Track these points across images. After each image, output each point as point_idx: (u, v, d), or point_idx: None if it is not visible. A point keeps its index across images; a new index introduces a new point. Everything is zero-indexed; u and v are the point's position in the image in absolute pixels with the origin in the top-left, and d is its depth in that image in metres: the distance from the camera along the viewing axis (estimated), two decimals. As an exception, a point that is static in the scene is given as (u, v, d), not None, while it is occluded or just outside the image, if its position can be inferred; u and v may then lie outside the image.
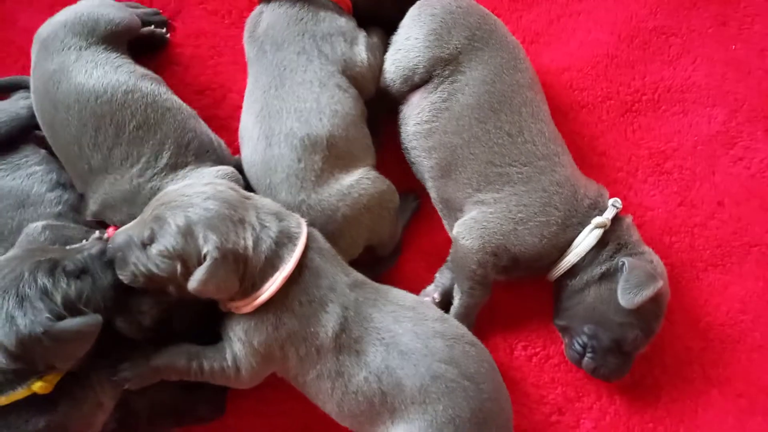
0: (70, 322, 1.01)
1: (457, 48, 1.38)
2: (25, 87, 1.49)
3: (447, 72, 1.38)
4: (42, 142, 1.44)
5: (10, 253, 1.09)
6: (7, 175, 1.33)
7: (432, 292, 1.44)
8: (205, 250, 1.10)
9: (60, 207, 1.32)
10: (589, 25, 1.63)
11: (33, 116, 1.41)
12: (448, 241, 1.45)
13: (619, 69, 1.60)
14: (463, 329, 1.30)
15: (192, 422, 1.34)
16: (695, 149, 1.57)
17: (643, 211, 1.52)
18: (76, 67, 1.32)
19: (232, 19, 1.63)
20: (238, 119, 1.48)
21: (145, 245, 1.12)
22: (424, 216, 1.53)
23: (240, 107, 1.54)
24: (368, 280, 1.29)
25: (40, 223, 1.22)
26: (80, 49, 1.35)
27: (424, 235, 1.52)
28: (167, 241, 1.11)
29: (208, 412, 1.34)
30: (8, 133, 1.39)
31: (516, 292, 1.48)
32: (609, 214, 1.35)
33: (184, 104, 1.40)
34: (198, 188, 1.16)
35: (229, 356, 1.21)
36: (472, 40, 1.38)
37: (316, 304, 1.19)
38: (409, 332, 1.22)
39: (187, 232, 1.11)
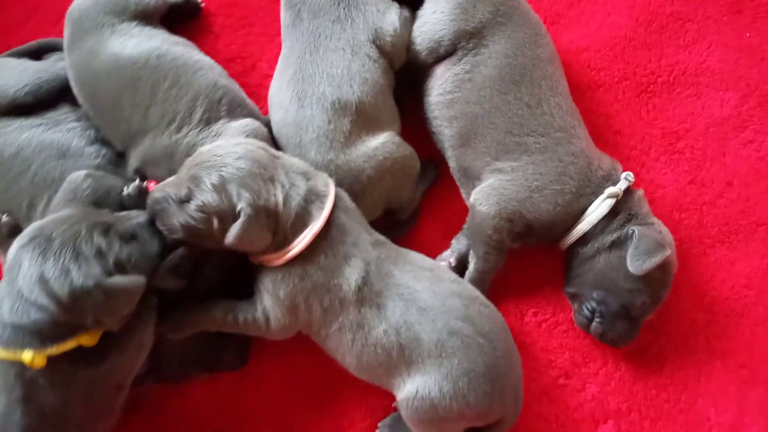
0: (120, 279, 1.07)
1: (481, 22, 1.44)
2: (58, 49, 1.57)
3: (471, 45, 1.44)
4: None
5: (67, 210, 1.15)
6: (49, 129, 1.40)
7: (448, 257, 1.50)
8: (239, 207, 1.17)
9: (99, 160, 1.40)
10: (608, 8, 1.68)
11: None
12: (464, 211, 1.52)
13: (636, 51, 1.66)
14: (477, 292, 1.36)
15: (217, 370, 1.41)
16: (707, 131, 1.62)
17: (655, 188, 1.57)
18: (112, 40, 1.42)
19: (265, -9, 1.70)
20: (266, 87, 1.55)
21: (182, 202, 1.19)
22: (441, 185, 1.59)
23: (268, 76, 1.62)
24: (389, 241, 1.35)
25: (82, 172, 1.29)
26: (113, 26, 1.44)
27: (441, 204, 1.58)
28: (203, 198, 1.17)
29: (233, 362, 1.41)
30: (48, 91, 1.46)
31: (528, 261, 1.53)
32: (622, 185, 1.40)
33: (215, 63, 1.48)
34: (230, 148, 1.22)
35: (259, 309, 1.29)
36: (496, 15, 1.44)
37: (340, 258, 1.25)
38: (428, 290, 1.28)
39: (222, 190, 1.17)
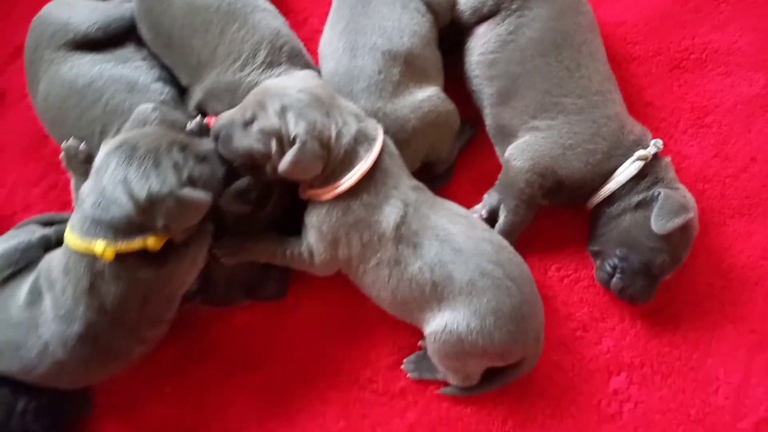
0: (191, 191, 1.18)
1: (526, -16, 1.52)
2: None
3: (515, 6, 1.52)
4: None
5: (149, 128, 1.27)
6: (118, 65, 1.51)
7: (480, 209, 1.58)
8: (294, 133, 1.26)
9: (162, 97, 1.50)
10: (648, -15, 1.76)
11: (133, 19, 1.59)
12: (496, 169, 1.60)
13: (671, 28, 1.72)
14: (506, 242, 1.44)
15: (258, 298, 1.51)
16: (735, 108, 1.69)
17: (681, 159, 1.64)
18: None
19: (320, -51, 1.79)
20: (316, 42, 1.64)
21: (246, 125, 1.28)
22: (476, 145, 1.67)
23: (319, 31, 1.70)
24: (426, 188, 1.44)
25: (150, 104, 1.39)
26: None
27: (475, 162, 1.67)
28: (266, 121, 1.27)
29: (274, 292, 1.51)
30: (116, 30, 1.56)
31: (553, 221, 1.61)
32: (651, 150, 1.48)
33: (279, 13, 1.57)
34: (293, 81, 1.33)
35: (304, 243, 1.39)
36: (541, -21, 1.52)
37: (382, 197, 1.33)
38: (462, 233, 1.36)
39: (282, 115, 1.27)
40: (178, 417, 1.50)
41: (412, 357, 1.53)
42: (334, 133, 1.28)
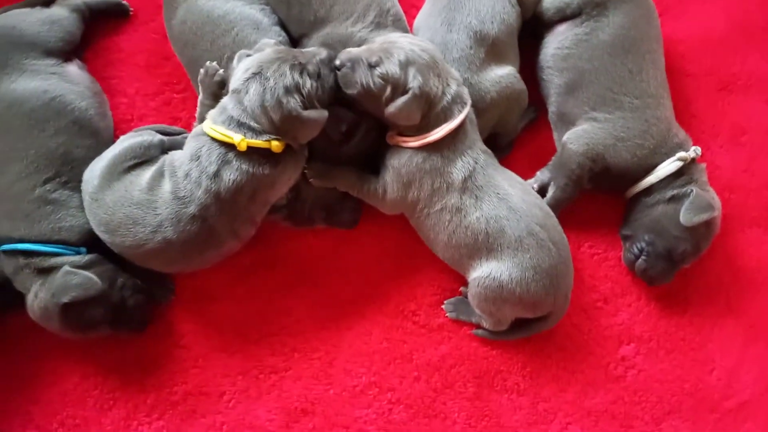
0: (310, 112, 1.44)
1: (607, -5, 1.72)
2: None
3: (594, 12, 1.72)
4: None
5: (273, 50, 1.49)
6: (246, 5, 1.71)
7: (532, 182, 1.78)
8: (410, 85, 1.47)
9: (280, 38, 1.70)
10: (711, 10, 1.95)
11: None
12: (550, 152, 1.80)
13: (726, 52, 1.92)
14: (552, 212, 1.66)
15: (332, 224, 1.74)
16: (768, 132, 1.90)
17: (714, 168, 1.84)
18: None
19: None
20: (412, 16, 1.84)
21: (370, 66, 1.49)
22: (536, 128, 1.88)
23: (415, 6, 1.91)
24: (493, 155, 1.66)
25: (272, 41, 1.60)
26: None
27: (533, 142, 1.87)
28: (389, 67, 1.48)
29: (347, 220, 1.74)
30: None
31: (594, 204, 1.82)
32: (690, 154, 1.68)
33: None
34: (418, 40, 1.54)
35: (381, 181, 1.61)
36: (621, -8, 1.73)
37: (458, 153, 1.55)
38: (518, 196, 1.58)
39: (404, 67, 1.47)
40: (244, 316, 1.75)
41: (452, 299, 1.76)
42: (439, 92, 1.49)
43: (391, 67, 1.47)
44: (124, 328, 1.64)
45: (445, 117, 1.52)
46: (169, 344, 1.73)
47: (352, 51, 1.52)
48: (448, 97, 1.51)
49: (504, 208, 1.56)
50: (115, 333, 1.63)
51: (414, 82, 1.46)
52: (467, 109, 1.54)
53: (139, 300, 1.65)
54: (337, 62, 1.51)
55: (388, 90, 1.48)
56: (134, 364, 1.71)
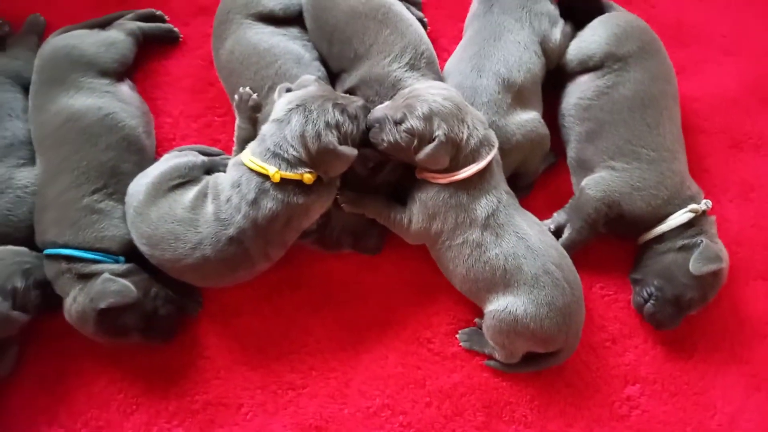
0: (345, 148, 1.55)
1: (629, 52, 1.83)
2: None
3: (616, 66, 1.83)
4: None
5: (317, 88, 1.60)
6: (290, 40, 1.85)
7: (549, 223, 1.87)
8: (436, 134, 1.57)
9: (319, 74, 1.82)
10: (726, 72, 2.06)
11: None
12: (567, 195, 1.90)
13: (738, 112, 2.03)
14: (566, 253, 1.74)
15: (358, 249, 1.83)
16: (777, 191, 1.99)
17: (722, 221, 1.92)
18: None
19: (459, -17, 2.13)
20: (443, 59, 1.97)
21: (396, 123, 1.60)
22: (555, 171, 1.98)
23: (445, 50, 2.05)
24: (514, 195, 1.75)
25: (312, 77, 1.72)
26: None
27: (551, 185, 1.97)
28: (413, 122, 1.58)
29: (372, 246, 1.83)
30: (292, 13, 1.91)
31: (606, 247, 1.90)
32: (702, 206, 1.77)
33: (421, 26, 1.89)
34: (439, 90, 1.64)
35: (407, 212, 1.70)
36: (642, 50, 1.84)
37: (483, 191, 1.64)
38: (536, 237, 1.66)
39: (428, 119, 1.58)
40: (266, 332, 1.83)
41: (467, 330, 1.83)
42: (465, 137, 1.59)
43: (415, 122, 1.58)
44: (153, 336, 1.72)
45: (474, 158, 1.62)
46: (193, 355, 1.80)
47: (378, 112, 1.64)
48: (476, 140, 1.61)
49: (522, 246, 1.64)
50: (143, 341, 1.72)
51: (439, 130, 1.57)
52: (494, 151, 1.64)
53: (169, 310, 1.73)
54: (367, 125, 1.63)
55: (416, 142, 1.59)
56: (159, 372, 1.78)
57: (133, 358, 1.79)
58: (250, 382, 1.78)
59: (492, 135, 1.66)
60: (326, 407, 1.77)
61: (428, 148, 1.57)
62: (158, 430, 1.73)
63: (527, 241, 1.65)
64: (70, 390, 1.77)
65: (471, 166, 1.61)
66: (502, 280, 1.64)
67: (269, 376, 1.79)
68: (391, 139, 1.60)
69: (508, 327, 1.65)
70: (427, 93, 1.61)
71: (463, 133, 1.60)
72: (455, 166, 1.62)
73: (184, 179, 1.69)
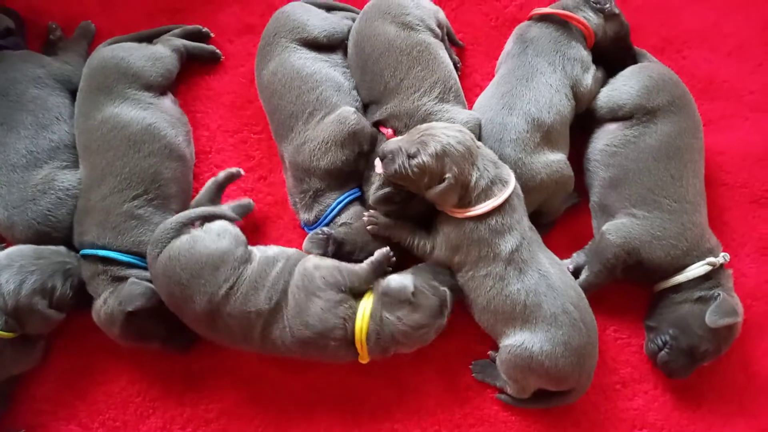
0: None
1: (658, 105, 1.87)
2: (344, 10, 2.09)
3: (645, 118, 1.87)
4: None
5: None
6: (331, 67, 1.91)
7: (568, 263, 1.91)
8: (446, 175, 1.63)
9: (357, 104, 1.89)
10: (752, 128, 2.09)
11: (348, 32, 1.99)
12: (586, 237, 1.94)
13: (761, 169, 2.05)
14: (584, 296, 1.77)
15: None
16: (795, 250, 2.02)
17: (739, 275, 1.95)
18: (391, 28, 1.88)
19: (498, 23, 2.18)
20: (474, 93, 2.04)
21: (409, 156, 1.65)
22: (575, 212, 2.01)
23: (477, 86, 2.10)
24: (537, 232, 1.79)
25: (351, 109, 1.79)
26: (397, 21, 1.89)
27: (571, 225, 2.00)
28: (425, 159, 1.64)
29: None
30: (335, 40, 1.96)
31: (621, 292, 1.92)
32: (720, 260, 1.80)
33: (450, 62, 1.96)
34: (454, 132, 1.68)
35: (431, 240, 1.76)
36: (672, 104, 1.87)
37: (506, 227, 1.69)
38: (557, 276, 1.71)
39: (440, 159, 1.64)
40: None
41: (480, 361, 1.87)
42: (474, 179, 1.66)
43: (427, 158, 1.63)
44: (174, 344, 1.78)
45: (486, 196, 1.67)
46: (211, 364, 1.86)
47: (393, 142, 1.71)
48: (486, 180, 1.67)
49: (544, 284, 1.68)
50: (164, 347, 1.77)
51: (450, 172, 1.63)
52: (509, 188, 1.69)
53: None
54: (380, 155, 1.70)
55: (426, 178, 1.65)
56: (177, 378, 1.84)
57: (153, 363, 1.85)
58: (265, 395, 1.83)
59: (505, 172, 1.72)
60: (338, 426, 1.81)
61: (438, 188, 1.64)
62: (172, 435, 1.79)
63: (548, 279, 1.69)
64: (90, 388, 1.83)
65: (487, 202, 1.67)
66: (521, 315, 1.68)
67: (283, 392, 1.84)
68: (402, 171, 1.66)
69: (523, 362, 1.68)
70: (442, 133, 1.66)
71: (472, 176, 1.66)
72: (468, 203, 1.68)
73: None
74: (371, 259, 1.70)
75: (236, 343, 1.69)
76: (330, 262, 1.69)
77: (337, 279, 1.64)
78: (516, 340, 1.69)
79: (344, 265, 1.69)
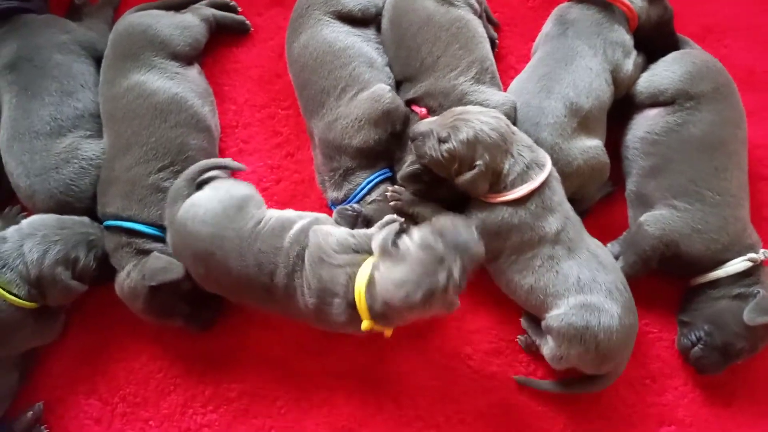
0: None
1: (703, 92, 1.80)
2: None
3: (688, 105, 1.81)
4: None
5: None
6: (364, 42, 1.85)
7: (604, 251, 1.87)
8: (477, 162, 1.58)
9: (389, 81, 1.83)
10: (792, 121, 2.04)
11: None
12: (621, 226, 1.89)
13: (803, 162, 2.00)
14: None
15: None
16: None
17: (778, 273, 1.91)
18: (431, 3, 1.83)
19: (535, 3, 2.12)
20: (509, 76, 1.97)
21: (440, 140, 1.60)
22: (610, 201, 1.95)
23: (512, 68, 2.04)
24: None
25: (386, 87, 1.74)
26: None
27: (606, 214, 1.94)
28: (456, 144, 1.59)
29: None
30: (369, 15, 1.91)
31: (653, 285, 1.87)
32: (761, 256, 1.74)
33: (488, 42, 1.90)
34: (488, 118, 1.62)
35: None
36: (716, 92, 1.81)
37: (547, 210, 1.64)
38: (604, 256, 1.68)
39: (471, 145, 1.58)
40: (307, 331, 1.79)
41: (529, 315, 1.79)
42: (507, 167, 1.61)
43: (458, 144, 1.58)
44: (195, 322, 1.74)
45: (522, 180, 1.62)
46: (234, 344, 1.82)
47: (424, 123, 1.65)
48: (521, 165, 1.61)
49: (594, 262, 1.65)
50: (185, 326, 1.73)
51: (480, 159, 1.58)
52: (546, 170, 1.64)
53: (215, 298, 1.74)
54: (411, 134, 1.65)
55: (456, 164, 1.60)
56: (199, 356, 1.81)
57: (175, 340, 1.81)
58: (287, 377, 1.79)
59: (541, 155, 1.67)
60: (359, 411, 1.77)
61: (468, 174, 1.59)
62: (193, 413, 1.76)
63: (598, 258, 1.66)
64: (110, 363, 1.80)
65: (523, 186, 1.62)
66: (575, 287, 1.63)
67: (306, 374, 1.80)
68: (433, 155, 1.61)
69: (575, 332, 1.60)
70: (476, 119, 1.60)
71: (505, 163, 1.61)
72: (504, 188, 1.62)
73: None
74: (382, 221, 1.61)
75: (262, 296, 1.58)
76: (344, 228, 1.61)
77: (349, 241, 1.54)
78: (571, 309, 1.62)
79: (357, 230, 1.62)
